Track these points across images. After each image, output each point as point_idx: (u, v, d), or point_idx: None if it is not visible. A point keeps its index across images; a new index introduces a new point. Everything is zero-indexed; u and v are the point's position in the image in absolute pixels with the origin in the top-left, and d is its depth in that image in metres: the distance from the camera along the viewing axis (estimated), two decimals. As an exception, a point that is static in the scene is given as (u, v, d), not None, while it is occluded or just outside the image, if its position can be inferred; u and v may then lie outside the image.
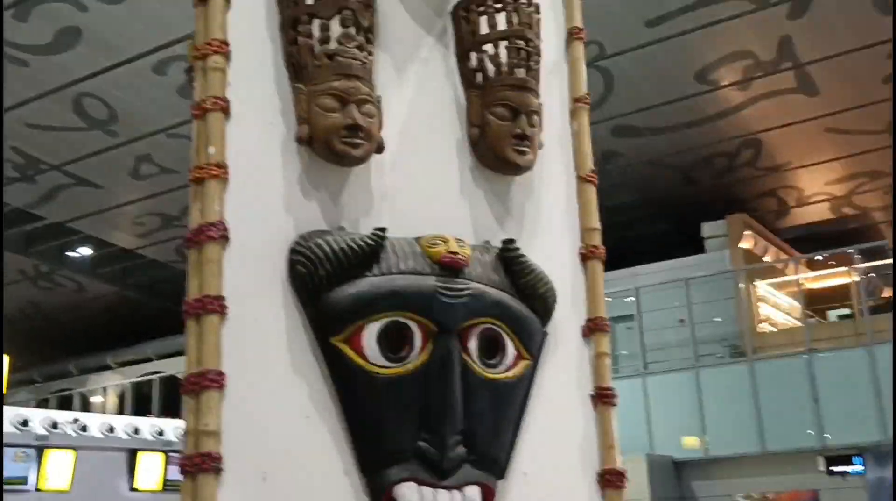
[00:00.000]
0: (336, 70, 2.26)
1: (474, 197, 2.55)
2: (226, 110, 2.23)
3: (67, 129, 13.36)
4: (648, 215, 18.66)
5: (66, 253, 17.22)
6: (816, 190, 18.66)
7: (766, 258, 18.73)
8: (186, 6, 2.31)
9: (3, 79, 9.32)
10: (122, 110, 13.03)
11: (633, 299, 15.92)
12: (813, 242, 18.58)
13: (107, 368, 21.47)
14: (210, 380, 2.04)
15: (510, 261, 2.42)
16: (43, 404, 20.61)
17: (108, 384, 21.24)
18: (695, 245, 17.59)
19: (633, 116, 15.49)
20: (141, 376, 20.22)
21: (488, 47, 2.55)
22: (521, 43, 2.54)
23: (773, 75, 14.60)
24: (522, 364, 2.41)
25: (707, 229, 17.66)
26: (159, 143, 13.76)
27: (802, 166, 17.71)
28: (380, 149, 2.35)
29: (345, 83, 2.25)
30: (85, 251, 17.26)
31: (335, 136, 2.25)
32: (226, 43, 2.27)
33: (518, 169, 2.55)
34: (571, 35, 2.81)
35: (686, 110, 15.47)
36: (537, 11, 2.63)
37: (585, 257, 2.69)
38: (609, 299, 2.74)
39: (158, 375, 19.57)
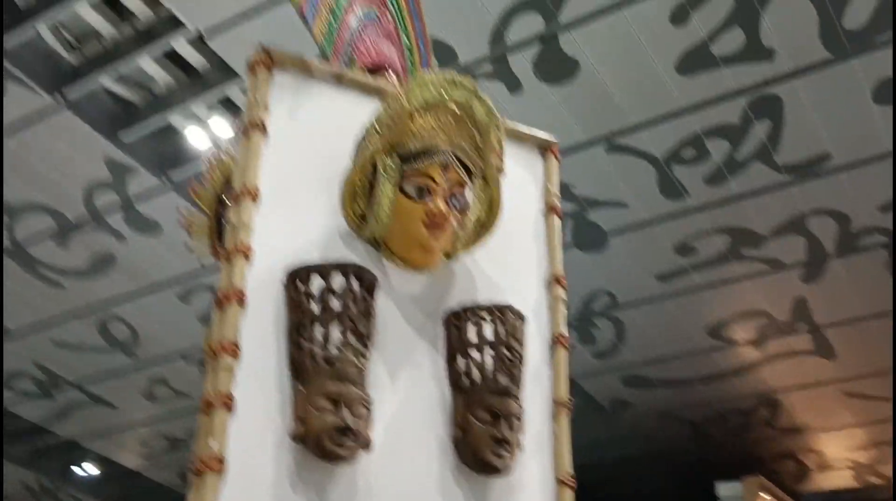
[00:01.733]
0: (332, 374, 2.47)
1: (454, 497, 2.67)
2: (230, 407, 2.42)
3: (91, 349, 13.69)
4: (659, 469, 18.31)
5: (73, 470, 17.14)
6: (838, 455, 18.24)
7: (785, 525, 18.08)
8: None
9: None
10: (145, 334, 13.40)
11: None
12: (836, 510, 17.97)
13: None
14: None
15: None
16: None
17: None
18: (707, 504, 17.12)
19: (645, 367, 15.58)
20: None
21: (475, 354, 2.76)
22: (506, 351, 2.75)
23: (789, 336, 14.71)
24: None
25: (722, 489, 17.20)
26: (176, 367, 14.01)
27: (823, 430, 17.41)
28: (367, 446, 2.50)
29: (339, 387, 2.45)
30: (91, 470, 17.17)
31: (326, 436, 2.42)
32: (237, 345, 2.50)
33: (496, 471, 2.69)
34: (556, 341, 3.03)
35: (699, 365, 15.51)
36: (523, 321, 2.86)
37: (557, 563, 2.77)
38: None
39: None
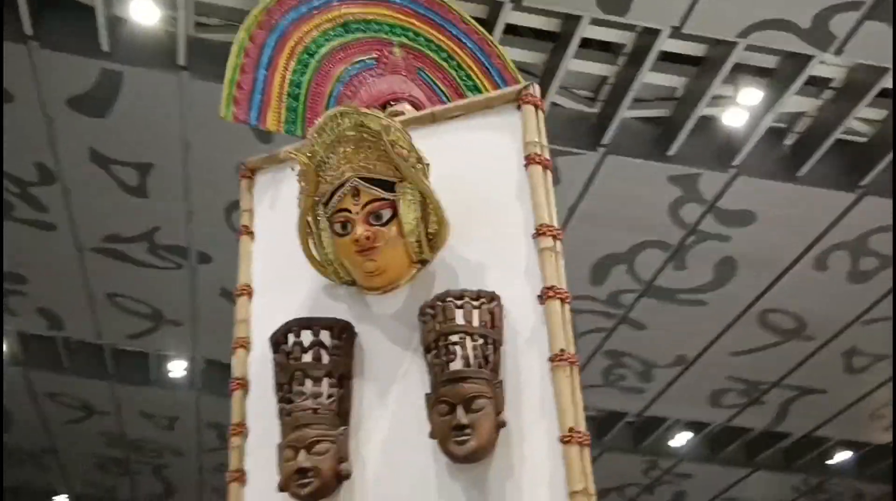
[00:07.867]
0: (291, 424, 2.72)
1: (451, 492, 2.63)
2: (242, 481, 2.93)
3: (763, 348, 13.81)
4: None
5: (828, 464, 17.04)
6: None
7: None
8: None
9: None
10: (810, 317, 13.13)
11: None
12: None
13: None
14: None
15: None
16: None
17: None
18: None
19: None
20: None
21: (436, 348, 2.70)
22: (452, 338, 2.65)
23: None
24: None
25: None
26: (865, 334, 13.29)
27: None
28: (338, 477, 2.70)
29: (296, 433, 2.70)
30: (844, 456, 16.83)
31: (289, 481, 2.68)
32: (243, 425, 2.99)
33: (465, 459, 2.56)
34: (546, 294, 2.76)
35: None
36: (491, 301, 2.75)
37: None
38: None
39: None
